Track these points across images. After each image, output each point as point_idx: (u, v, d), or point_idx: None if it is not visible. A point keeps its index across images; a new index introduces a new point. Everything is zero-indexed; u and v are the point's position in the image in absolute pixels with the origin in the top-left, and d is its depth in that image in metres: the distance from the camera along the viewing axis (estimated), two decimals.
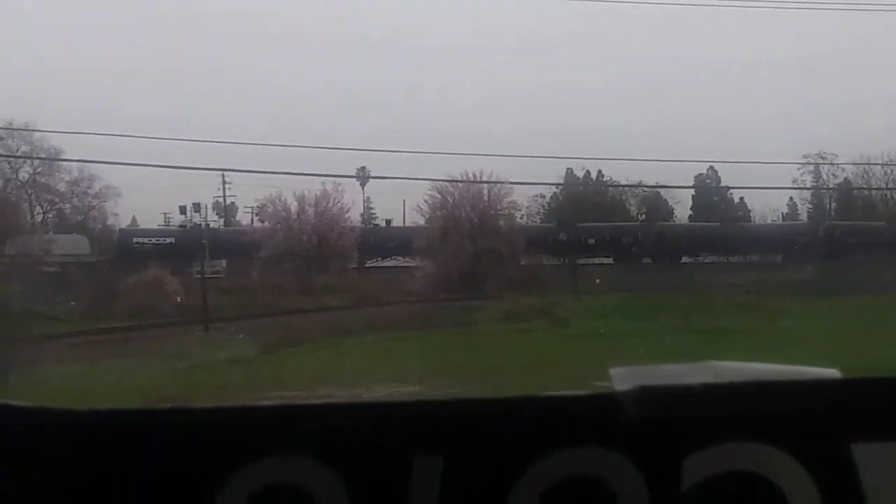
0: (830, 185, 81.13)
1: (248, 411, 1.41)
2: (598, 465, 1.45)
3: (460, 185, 60.77)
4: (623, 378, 1.53)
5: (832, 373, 1.59)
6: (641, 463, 1.45)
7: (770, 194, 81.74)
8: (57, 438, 1.32)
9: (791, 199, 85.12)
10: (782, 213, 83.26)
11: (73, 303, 46.85)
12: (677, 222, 75.47)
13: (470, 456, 1.42)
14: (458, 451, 1.41)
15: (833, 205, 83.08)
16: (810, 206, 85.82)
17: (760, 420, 1.49)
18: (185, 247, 58.25)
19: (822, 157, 78.62)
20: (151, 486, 1.33)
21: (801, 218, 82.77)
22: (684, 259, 66.23)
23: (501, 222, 61.28)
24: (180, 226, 67.36)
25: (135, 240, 63.37)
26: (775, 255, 66.05)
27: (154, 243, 61.55)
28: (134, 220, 75.08)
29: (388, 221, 70.97)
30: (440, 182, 59.42)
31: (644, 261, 65.55)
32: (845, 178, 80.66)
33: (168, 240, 62.61)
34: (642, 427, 1.46)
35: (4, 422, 1.33)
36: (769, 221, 78.68)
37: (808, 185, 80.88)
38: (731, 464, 1.48)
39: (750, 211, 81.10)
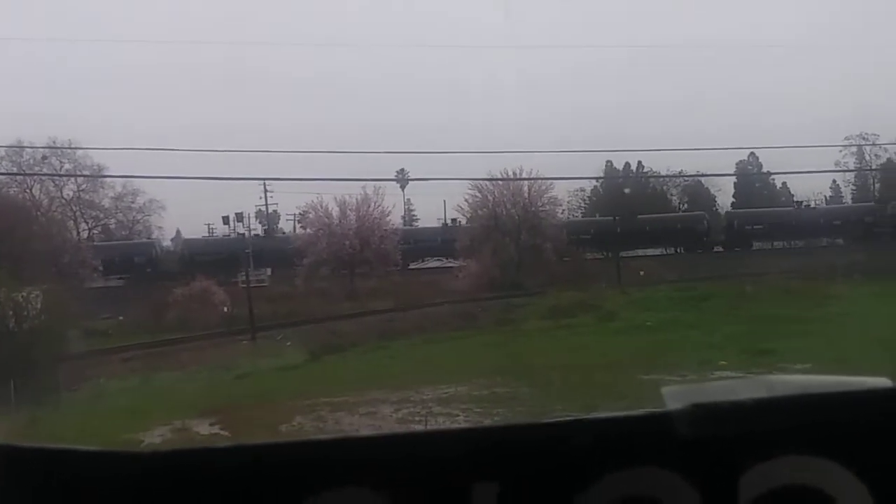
0: (873, 166, 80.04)
1: (306, 445, 1.44)
2: (654, 486, 1.45)
3: (500, 182, 60.68)
4: (675, 396, 1.54)
5: (884, 382, 1.58)
6: (697, 481, 1.46)
7: (812, 178, 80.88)
8: (119, 482, 1.35)
9: (834, 181, 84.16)
10: (826, 197, 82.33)
11: (120, 317, 47.33)
12: (752, 210, 74.59)
13: (526, 481, 1.43)
14: (514, 477, 1.43)
15: (877, 185, 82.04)
16: (854, 188, 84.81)
17: (815, 433, 1.49)
18: (231, 257, 58.69)
19: (863, 139, 77.69)
20: None
21: (844, 201, 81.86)
22: (756, 245, 66.35)
23: (543, 217, 61.12)
24: (224, 236, 67.79)
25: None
26: (843, 237, 65.88)
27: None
28: (178, 232, 75.66)
29: (455, 221, 69.08)
30: (480, 181, 59.39)
31: (715, 249, 65.64)
32: (888, 159, 79.61)
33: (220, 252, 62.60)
34: (697, 445, 1.47)
35: (66, 467, 1.36)
36: (813, 205, 77.90)
37: (851, 166, 79.84)
38: (787, 478, 1.48)
39: (793, 195, 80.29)
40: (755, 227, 67.27)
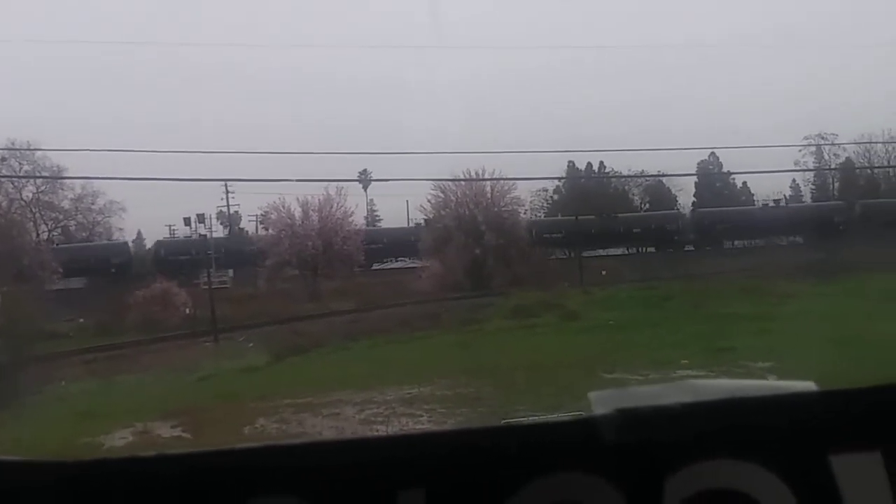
0: (832, 166, 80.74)
1: (233, 454, 1.43)
2: (579, 491, 1.46)
3: (463, 182, 60.67)
4: (601, 401, 1.55)
5: (808, 385, 1.60)
6: (622, 486, 1.47)
7: (772, 177, 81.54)
8: (43, 491, 1.34)
9: (794, 180, 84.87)
10: (785, 196, 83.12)
11: (81, 319, 46.89)
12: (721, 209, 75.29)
13: (452, 488, 1.44)
14: (440, 484, 1.43)
15: (836, 185, 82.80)
16: (813, 187, 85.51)
17: (739, 437, 1.51)
18: (193, 258, 58.43)
19: (822, 138, 78.31)
20: None
21: (804, 200, 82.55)
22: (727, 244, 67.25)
23: (506, 218, 61.18)
24: (186, 237, 67.40)
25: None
26: (810, 235, 66.86)
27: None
28: (139, 234, 75.09)
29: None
30: (443, 181, 59.37)
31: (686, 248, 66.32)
32: (847, 158, 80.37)
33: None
34: (622, 450, 1.48)
35: None
36: (770, 204, 78.71)
37: (810, 166, 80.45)
38: (711, 482, 1.49)
39: (753, 195, 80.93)
40: (730, 225, 68.20)
